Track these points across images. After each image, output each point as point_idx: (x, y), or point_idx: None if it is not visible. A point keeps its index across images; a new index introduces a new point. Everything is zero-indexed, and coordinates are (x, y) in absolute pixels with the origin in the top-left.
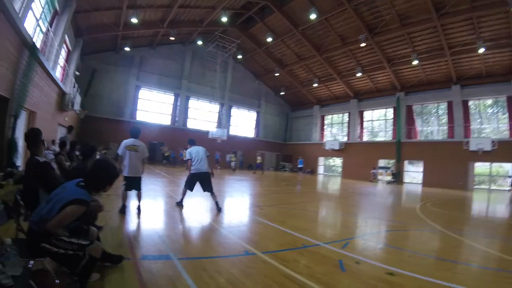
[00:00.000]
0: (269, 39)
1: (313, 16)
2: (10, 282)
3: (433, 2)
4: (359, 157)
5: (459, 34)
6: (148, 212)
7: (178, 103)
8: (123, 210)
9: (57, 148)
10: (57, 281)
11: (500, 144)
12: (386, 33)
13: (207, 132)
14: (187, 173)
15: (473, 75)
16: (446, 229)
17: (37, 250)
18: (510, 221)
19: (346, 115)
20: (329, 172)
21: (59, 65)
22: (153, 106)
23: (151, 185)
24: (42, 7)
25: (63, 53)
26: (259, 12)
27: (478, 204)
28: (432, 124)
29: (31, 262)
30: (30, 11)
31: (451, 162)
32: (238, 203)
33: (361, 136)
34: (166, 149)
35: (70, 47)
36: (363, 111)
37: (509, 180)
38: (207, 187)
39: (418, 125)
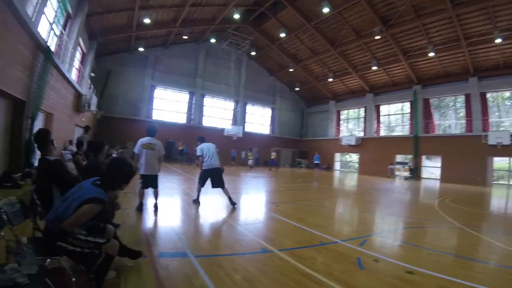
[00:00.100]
0: (282, 35)
1: (325, 10)
2: (26, 281)
3: None
4: (376, 152)
5: (475, 24)
6: (165, 209)
7: (193, 101)
8: (140, 208)
9: (74, 148)
10: (73, 279)
11: None
12: (400, 25)
13: (222, 130)
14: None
15: (491, 67)
16: (465, 226)
17: (54, 248)
18: None
19: (362, 110)
20: (346, 168)
21: (75, 67)
22: (168, 105)
23: (168, 183)
24: (55, 11)
25: (78, 56)
26: (271, 8)
27: (497, 200)
28: (450, 117)
29: (48, 260)
30: (43, 16)
31: (469, 157)
32: (254, 200)
33: (377, 131)
34: (180, 144)
35: (84, 50)
36: (379, 105)
37: None
38: (218, 183)
39: (436, 119)
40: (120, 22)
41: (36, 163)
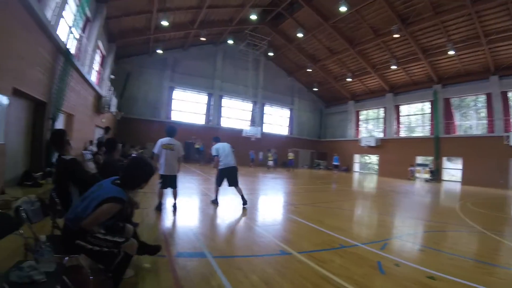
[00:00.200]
0: (300, 35)
1: (343, 9)
2: (43, 278)
3: None
4: (396, 154)
5: (494, 21)
6: (184, 209)
7: (212, 103)
8: (159, 208)
9: (94, 148)
10: (91, 278)
11: None
12: (419, 22)
13: (240, 131)
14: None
15: None
16: (487, 230)
17: (72, 247)
18: None
19: (381, 110)
20: (365, 169)
21: (95, 70)
22: (187, 106)
23: (187, 183)
24: (74, 15)
25: (98, 58)
26: (288, 8)
27: None
28: (471, 118)
29: (66, 258)
30: (62, 19)
31: (491, 159)
32: (273, 201)
33: (397, 132)
34: (197, 142)
35: (104, 52)
36: (399, 105)
37: None
38: (233, 181)
39: (456, 119)
40: (138, 25)
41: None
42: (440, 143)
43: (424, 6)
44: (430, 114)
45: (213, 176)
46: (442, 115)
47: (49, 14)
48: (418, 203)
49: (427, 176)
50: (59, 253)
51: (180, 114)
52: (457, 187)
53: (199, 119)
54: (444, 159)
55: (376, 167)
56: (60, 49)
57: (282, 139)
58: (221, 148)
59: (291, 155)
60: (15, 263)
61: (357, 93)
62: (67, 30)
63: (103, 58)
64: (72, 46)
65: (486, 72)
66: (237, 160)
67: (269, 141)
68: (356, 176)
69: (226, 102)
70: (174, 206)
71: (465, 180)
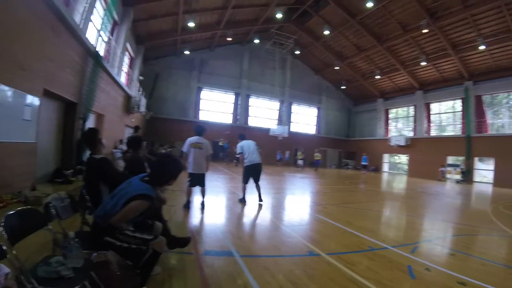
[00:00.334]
0: (326, 32)
1: (369, 4)
2: (70, 274)
3: None
4: (426, 153)
5: None
6: (211, 208)
7: (239, 102)
8: (187, 206)
9: (124, 147)
10: (118, 273)
11: None
12: (448, 16)
13: (268, 130)
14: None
15: None
16: None
17: (101, 243)
18: None
19: (411, 108)
20: (394, 170)
21: (124, 71)
22: (215, 106)
23: (214, 182)
24: (102, 19)
25: (127, 60)
26: (314, 5)
27: None
28: (504, 116)
29: (93, 254)
30: (90, 23)
31: None
32: (301, 201)
33: (428, 130)
34: (221, 140)
35: (132, 54)
36: (429, 103)
37: None
38: (257, 178)
39: (488, 117)
40: (165, 26)
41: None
42: (472, 143)
43: None
44: (461, 112)
45: (240, 175)
46: (474, 113)
47: (77, 18)
48: (449, 205)
49: (458, 177)
50: (87, 249)
51: (208, 114)
52: (489, 188)
53: (227, 119)
54: (476, 159)
55: (406, 167)
56: (89, 51)
57: (309, 138)
58: (246, 146)
59: (318, 156)
60: (43, 258)
61: (386, 90)
62: (96, 33)
63: (132, 60)
64: (101, 49)
65: None
66: (263, 159)
67: (296, 140)
68: (385, 176)
69: (253, 101)
70: (202, 204)
71: (497, 182)
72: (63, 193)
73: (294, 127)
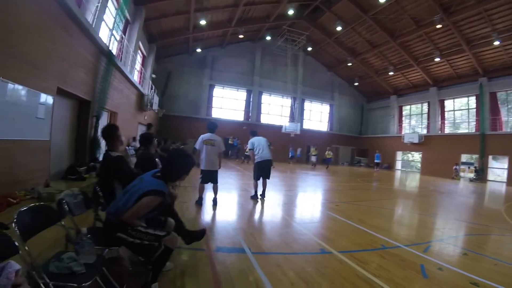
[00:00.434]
0: (339, 28)
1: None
2: (82, 270)
3: None
4: (440, 151)
5: None
6: (223, 204)
7: (251, 99)
8: (199, 202)
9: (137, 144)
10: (129, 269)
11: None
12: (462, 11)
13: (280, 127)
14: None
15: None
16: None
17: (113, 239)
18: None
19: (425, 105)
20: (408, 167)
21: (136, 70)
22: (227, 103)
23: (227, 178)
24: (114, 18)
25: (139, 58)
26: (326, 1)
27: None
28: None
29: (106, 250)
30: (103, 22)
31: None
32: (313, 198)
33: (442, 128)
34: (231, 138)
35: (145, 53)
36: (443, 100)
37: None
38: (267, 174)
39: (503, 114)
40: (177, 25)
41: (100, 158)
42: (486, 141)
43: None
44: (475, 110)
45: (251, 172)
46: (488, 110)
47: (90, 18)
48: (462, 204)
49: (472, 175)
50: (99, 245)
51: (220, 111)
52: (503, 187)
53: (239, 116)
54: (490, 157)
55: (419, 165)
56: (102, 50)
57: (321, 135)
58: (257, 142)
59: (329, 154)
60: (55, 254)
61: (400, 87)
62: (108, 33)
63: (144, 58)
64: (113, 48)
65: None
66: (275, 156)
67: (308, 137)
68: (398, 174)
69: (266, 98)
70: (214, 201)
71: (511, 181)
72: (76, 190)
73: (306, 124)
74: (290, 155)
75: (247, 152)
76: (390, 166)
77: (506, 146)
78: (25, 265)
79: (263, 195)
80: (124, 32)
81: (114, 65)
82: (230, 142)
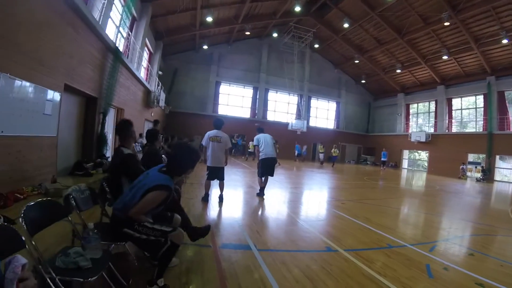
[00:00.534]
0: (346, 25)
1: None
2: (88, 265)
3: None
4: (447, 150)
5: None
6: (229, 201)
7: (257, 96)
8: (205, 199)
9: (144, 141)
10: (135, 265)
11: None
12: (470, 9)
13: (286, 124)
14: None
15: None
16: None
17: (120, 234)
18: None
19: (432, 104)
20: (414, 166)
21: (143, 66)
22: (233, 100)
23: (233, 175)
24: (121, 15)
25: (146, 55)
26: None
27: None
28: None
29: (112, 245)
30: (109, 19)
31: None
32: (319, 196)
33: (449, 127)
34: (235, 137)
35: (151, 50)
36: (451, 98)
37: None
38: (270, 172)
39: (511, 114)
40: (183, 22)
41: (107, 154)
42: (493, 140)
43: None
44: (483, 109)
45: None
46: (496, 109)
47: (96, 15)
48: (468, 204)
49: (479, 175)
50: (106, 241)
51: (227, 108)
52: (510, 188)
53: (245, 113)
54: (497, 157)
55: (426, 164)
56: (109, 47)
57: (328, 133)
58: (263, 138)
59: (335, 152)
60: (61, 249)
61: (407, 85)
62: (115, 30)
63: (151, 55)
64: (120, 44)
65: None
66: (282, 153)
67: (314, 134)
68: (404, 173)
69: (272, 95)
70: (220, 198)
71: None
72: (83, 185)
73: (313, 122)
74: (296, 153)
75: (250, 149)
76: (396, 164)
77: None
78: (32, 260)
79: (262, 193)
80: (130, 29)
81: (120, 62)
82: (233, 141)
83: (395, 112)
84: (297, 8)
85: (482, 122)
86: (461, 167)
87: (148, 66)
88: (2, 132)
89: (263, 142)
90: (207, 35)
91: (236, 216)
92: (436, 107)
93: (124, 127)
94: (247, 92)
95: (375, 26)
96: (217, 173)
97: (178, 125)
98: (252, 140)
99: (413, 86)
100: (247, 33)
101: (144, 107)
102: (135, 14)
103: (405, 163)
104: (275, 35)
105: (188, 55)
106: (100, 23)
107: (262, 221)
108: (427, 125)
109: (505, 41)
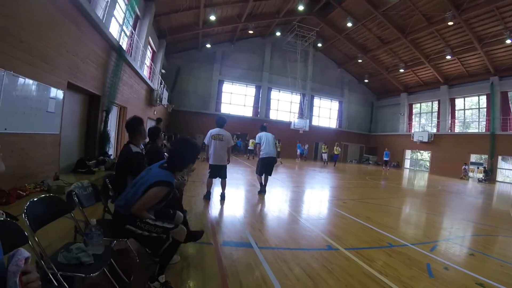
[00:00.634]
0: (349, 24)
1: None
2: (90, 260)
3: None
4: (449, 150)
5: None
6: (231, 199)
7: (260, 95)
8: (207, 197)
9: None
10: (137, 261)
11: None
12: (473, 9)
13: (289, 123)
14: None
15: None
16: None
17: (122, 231)
18: None
19: (435, 104)
20: (416, 166)
21: (146, 65)
22: (236, 99)
23: (235, 174)
24: (124, 13)
25: (149, 54)
26: None
27: None
28: None
29: (114, 241)
30: (113, 18)
31: None
32: (321, 195)
33: (452, 127)
34: (235, 138)
35: (154, 48)
36: (454, 98)
37: None
38: (269, 171)
39: None
40: (187, 20)
41: (110, 152)
42: (496, 141)
43: None
44: (485, 109)
45: None
46: (499, 110)
47: (100, 13)
48: (470, 204)
49: (481, 176)
50: (108, 237)
51: (229, 107)
52: (511, 189)
53: (248, 112)
54: (499, 158)
55: (428, 164)
56: (112, 45)
57: (330, 132)
58: (264, 137)
59: (337, 150)
60: (63, 245)
61: (410, 85)
62: (118, 28)
63: (154, 54)
64: (123, 43)
65: None
66: (284, 153)
67: (317, 134)
68: (406, 172)
69: (275, 94)
70: (222, 196)
71: None
72: (86, 182)
73: (315, 121)
74: (298, 152)
75: (250, 146)
76: (398, 164)
77: None
78: (34, 255)
79: (264, 189)
80: (134, 27)
81: (124, 60)
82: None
83: (398, 111)
84: (301, 7)
85: (485, 123)
86: (463, 167)
87: (151, 64)
88: (5, 129)
89: (265, 140)
90: (210, 33)
91: (237, 214)
92: (439, 107)
93: (134, 125)
94: (250, 91)
95: (378, 26)
96: (219, 171)
97: (181, 123)
98: (253, 138)
99: (416, 86)
100: (250, 32)
101: (147, 105)
102: (138, 13)
103: (407, 163)
104: (278, 34)
105: (191, 53)
106: (103, 21)
107: (263, 219)
108: (430, 125)
109: (508, 41)
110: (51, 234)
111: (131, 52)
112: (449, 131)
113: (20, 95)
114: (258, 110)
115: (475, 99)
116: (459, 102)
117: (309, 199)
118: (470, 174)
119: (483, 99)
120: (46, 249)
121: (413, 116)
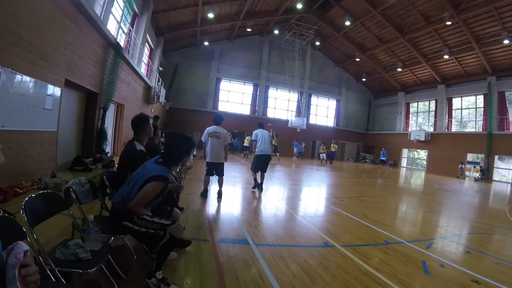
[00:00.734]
0: (348, 23)
1: None
2: (88, 256)
3: None
4: (446, 149)
5: None
6: (228, 197)
7: (258, 93)
8: (204, 194)
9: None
10: (134, 257)
11: None
12: (472, 9)
13: (286, 121)
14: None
15: None
16: None
17: (119, 227)
18: None
19: (433, 103)
20: (413, 165)
21: (144, 62)
22: (233, 97)
23: (232, 172)
24: (122, 10)
25: (146, 51)
26: None
27: None
28: None
29: (111, 238)
30: (111, 15)
31: None
32: (317, 193)
33: (449, 126)
34: (231, 137)
35: (152, 45)
36: (451, 98)
37: None
38: (263, 168)
39: (511, 115)
40: (185, 18)
41: (107, 149)
42: (493, 140)
43: None
44: (482, 109)
45: None
46: (496, 109)
47: (98, 10)
48: (466, 202)
49: (477, 175)
50: (105, 233)
51: (227, 105)
52: (507, 188)
53: (245, 110)
54: (496, 157)
55: (425, 163)
56: (110, 43)
57: (327, 131)
58: (260, 134)
59: (334, 147)
60: (61, 241)
61: (408, 84)
62: (116, 25)
63: (152, 51)
64: (121, 40)
65: None
66: (281, 151)
67: (314, 132)
68: (403, 171)
69: (272, 92)
70: (219, 193)
71: None
72: (83, 178)
73: (313, 119)
74: (295, 150)
75: (245, 143)
76: (395, 163)
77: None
78: (32, 251)
79: (261, 187)
80: (132, 24)
81: (121, 58)
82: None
83: (395, 110)
84: (299, 6)
85: (482, 122)
86: (459, 166)
87: (148, 62)
88: (3, 126)
89: (261, 138)
90: (208, 31)
91: (234, 211)
92: (436, 106)
93: (139, 122)
94: (248, 89)
95: (376, 25)
96: (216, 169)
97: (178, 121)
98: (250, 135)
99: (413, 85)
100: (249, 29)
101: (144, 103)
102: (136, 10)
103: (404, 162)
104: (276, 32)
105: (189, 51)
106: (101, 18)
107: (260, 217)
108: (427, 124)
109: (506, 42)
110: (49, 230)
111: (129, 49)
112: (446, 130)
113: (18, 92)
114: (256, 108)
115: (472, 98)
116: (456, 102)
117: (306, 197)
118: (467, 173)
119: (480, 99)
120: (44, 245)
121: (410, 115)
